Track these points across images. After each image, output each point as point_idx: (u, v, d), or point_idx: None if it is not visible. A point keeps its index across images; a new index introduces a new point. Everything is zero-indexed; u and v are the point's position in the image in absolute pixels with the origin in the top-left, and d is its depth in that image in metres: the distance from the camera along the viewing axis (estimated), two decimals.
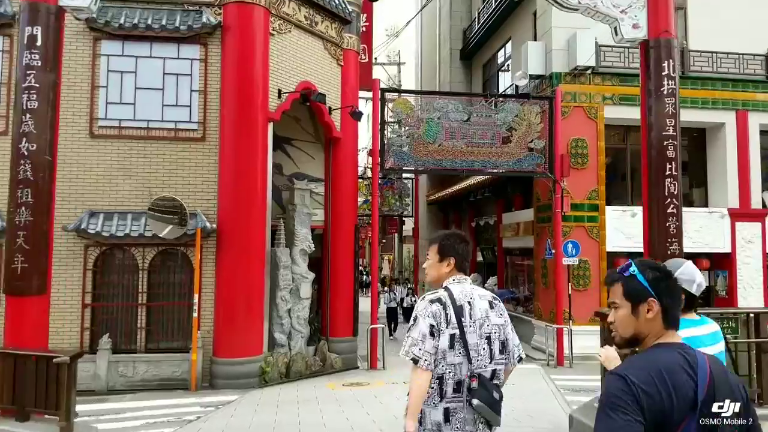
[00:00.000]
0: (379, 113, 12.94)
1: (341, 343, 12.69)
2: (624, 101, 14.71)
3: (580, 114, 14.55)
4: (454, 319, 2.80)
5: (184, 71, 10.81)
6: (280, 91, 11.31)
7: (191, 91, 10.82)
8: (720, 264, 15.11)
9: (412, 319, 2.94)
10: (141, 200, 10.48)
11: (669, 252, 6.61)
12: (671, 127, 6.79)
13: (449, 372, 2.79)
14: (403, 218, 28.35)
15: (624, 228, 14.62)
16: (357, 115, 11.99)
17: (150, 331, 10.50)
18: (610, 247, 14.48)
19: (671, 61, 6.81)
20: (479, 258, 21.73)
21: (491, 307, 2.94)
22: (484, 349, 2.84)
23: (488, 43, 20.75)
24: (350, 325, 12.86)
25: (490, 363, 2.87)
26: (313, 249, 12.56)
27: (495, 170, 13.51)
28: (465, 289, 2.94)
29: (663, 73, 6.80)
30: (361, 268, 63.95)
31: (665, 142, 6.73)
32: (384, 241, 39.94)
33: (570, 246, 13.81)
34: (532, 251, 15.66)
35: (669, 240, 6.68)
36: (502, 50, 19.67)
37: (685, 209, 15.36)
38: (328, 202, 13.02)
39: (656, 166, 6.74)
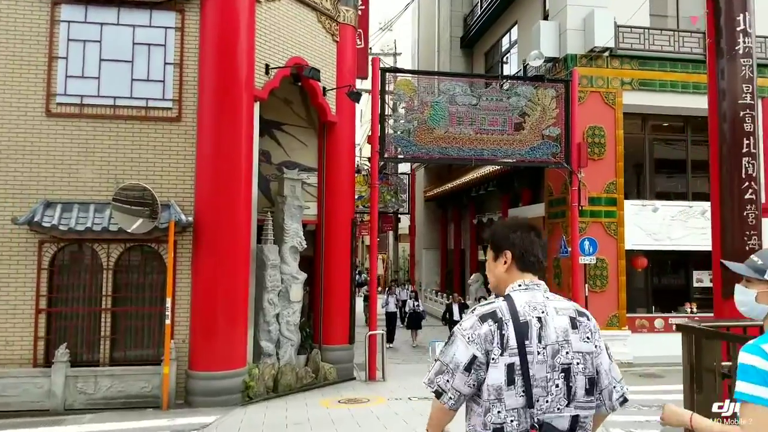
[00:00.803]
0: (379, 95, 11.61)
1: (336, 352, 11.35)
2: (644, 86, 13.50)
3: (596, 100, 13.31)
4: (513, 342, 1.97)
5: (157, 41, 9.42)
6: (267, 66, 9.95)
7: (165, 64, 9.43)
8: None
9: (450, 335, 2.13)
10: (105, 189, 9.07)
11: (747, 248, 5.34)
12: (748, 94, 5.52)
13: (511, 420, 1.94)
14: (399, 215, 27.07)
15: (644, 224, 13.41)
16: (355, 96, 10.66)
17: (115, 340, 9.10)
18: (629, 245, 13.26)
19: (746, 14, 5.54)
20: (482, 257, 20.45)
21: (573, 327, 2.06)
22: (557, 386, 1.98)
23: (491, 29, 19.48)
24: (346, 331, 11.53)
25: (566, 406, 1.98)
26: (305, 246, 11.21)
27: (506, 160, 12.23)
28: (535, 298, 2.09)
29: (737, 29, 5.53)
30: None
31: (741, 113, 5.47)
32: (378, 239, 38.68)
33: (587, 243, 12.58)
34: None
35: (747, 233, 5.42)
36: (507, 36, 18.40)
37: (705, 204, 14.26)
38: (321, 194, 11.68)
39: (730, 142, 5.49)
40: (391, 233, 29.68)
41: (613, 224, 13.19)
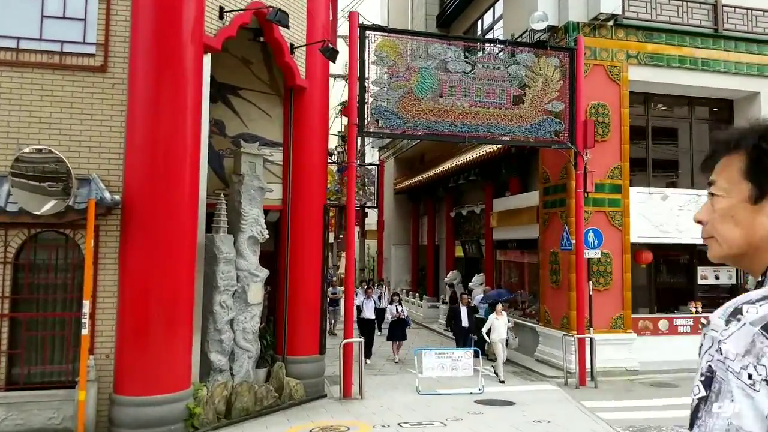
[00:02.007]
0: (358, 57, 9.72)
1: (304, 364, 9.42)
2: (650, 61, 12.05)
3: (600, 74, 11.79)
4: None
5: None
6: (221, 9, 7.94)
7: None
8: None
9: (699, 374, 0.92)
10: (3, 158, 6.89)
11: None
12: None
13: None
14: (366, 209, 25.21)
15: (651, 214, 11.97)
16: (330, 53, 8.75)
17: (15, 356, 6.93)
18: (634, 238, 11.79)
19: None
20: (459, 253, 18.81)
21: None
22: None
23: (472, 5, 17.82)
24: (316, 339, 9.61)
25: None
26: (267, 237, 9.25)
27: (506, 138, 10.54)
28: None
29: None
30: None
31: None
32: (341, 236, 36.66)
33: (591, 235, 11.04)
34: (537, 243, 12.80)
35: None
36: (490, 11, 16.77)
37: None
38: (287, 174, 9.72)
39: None
40: (357, 229, 27.77)
41: (617, 214, 11.69)
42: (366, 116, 9.85)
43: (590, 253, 10.94)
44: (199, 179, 7.76)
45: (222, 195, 9.00)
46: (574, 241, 10.87)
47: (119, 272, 7.16)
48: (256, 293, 9.06)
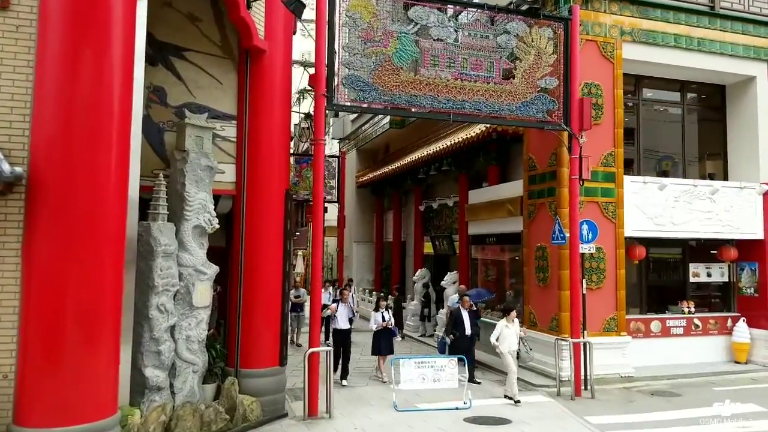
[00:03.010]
0: (327, 16, 8.28)
1: (261, 378, 7.92)
2: (645, 39, 11.08)
3: (593, 51, 10.73)
4: None
5: None
6: None
7: None
8: (747, 254, 11.89)
9: None
10: None
11: None
12: None
13: None
14: (326, 204, 23.68)
15: (645, 206, 10.99)
16: (294, 5, 7.29)
17: None
18: (628, 231, 10.78)
19: None
20: (428, 250, 17.56)
21: None
22: None
23: None
24: (276, 348, 8.12)
25: None
26: (217, 226, 7.71)
27: (495, 117, 9.30)
28: None
29: None
30: None
31: None
32: (298, 233, 34.91)
33: (585, 228, 9.96)
34: (520, 237, 11.64)
35: None
36: None
37: (714, 183, 12.01)
38: (242, 153, 8.19)
39: None
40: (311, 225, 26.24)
41: (611, 205, 10.64)
42: (336, 86, 8.42)
43: (584, 248, 9.84)
44: (130, 153, 6.16)
45: (161, 176, 7.40)
46: (567, 234, 9.74)
47: (22, 267, 5.52)
48: (203, 294, 7.50)
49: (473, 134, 12.77)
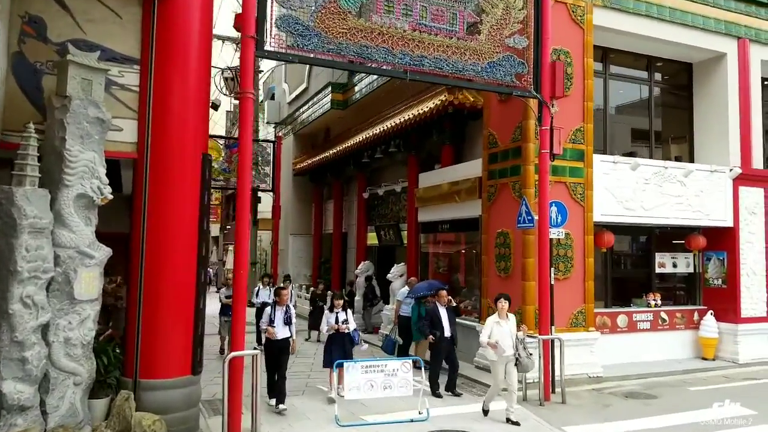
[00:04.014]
0: None
1: (168, 391, 6.22)
2: (616, 6, 10.10)
3: (562, 14, 9.60)
4: None
5: None
6: None
7: None
8: (715, 242, 11.16)
9: None
10: None
11: None
12: None
13: None
14: (260, 193, 21.83)
15: (615, 188, 10.01)
16: None
17: None
18: (597, 216, 9.74)
19: None
20: (372, 241, 16.12)
21: None
22: None
23: None
24: (187, 353, 6.44)
25: None
26: (110, 196, 5.95)
27: (458, 78, 7.94)
28: None
29: None
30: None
31: None
32: (229, 227, 32.65)
33: (554, 210, 8.80)
34: (479, 222, 10.40)
35: None
36: None
37: (686, 165, 11.02)
38: (147, 106, 6.44)
39: None
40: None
41: (579, 186, 9.56)
42: (268, 29, 6.82)
43: (553, 233, 8.67)
44: None
45: (32, 129, 5.58)
46: (536, 217, 8.54)
47: None
48: (88, 284, 5.73)
49: (426, 109, 11.46)
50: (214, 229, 38.76)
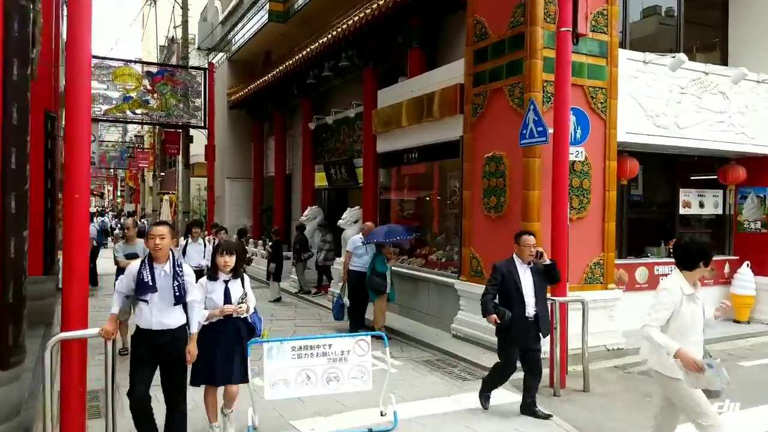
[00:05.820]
0: None
1: None
2: None
3: None
4: None
5: None
6: None
7: None
8: (757, 176, 8.79)
9: None
10: None
11: None
12: None
13: None
14: (191, 129, 18.55)
15: (644, 97, 7.40)
16: None
17: None
18: (621, 135, 7.16)
19: None
20: (321, 182, 13.26)
21: None
22: None
23: None
24: None
25: None
26: None
27: None
28: None
29: None
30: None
31: None
32: (163, 174, 29.06)
33: (573, 120, 6.16)
34: (458, 146, 7.70)
35: None
36: None
37: (732, 70, 7.40)
38: None
39: None
40: (179, 160, 20.79)
41: (601, 92, 6.93)
42: None
43: (571, 152, 6.05)
44: None
45: None
46: (550, 130, 5.86)
47: None
48: None
49: (380, 5, 8.55)
50: (148, 178, 34.90)
